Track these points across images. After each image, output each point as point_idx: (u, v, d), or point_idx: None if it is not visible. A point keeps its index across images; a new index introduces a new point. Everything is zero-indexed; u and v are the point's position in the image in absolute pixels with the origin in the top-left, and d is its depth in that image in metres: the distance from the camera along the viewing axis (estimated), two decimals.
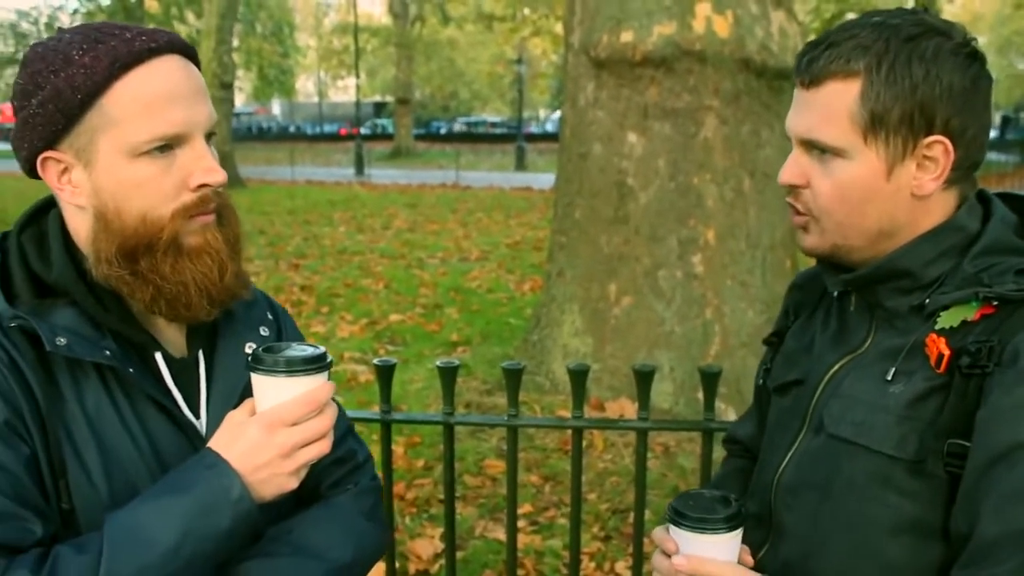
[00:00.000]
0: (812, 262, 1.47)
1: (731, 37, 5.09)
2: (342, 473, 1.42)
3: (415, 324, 7.99)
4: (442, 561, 3.58)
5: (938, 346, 1.17)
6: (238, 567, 1.21)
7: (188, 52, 1.23)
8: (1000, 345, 1.12)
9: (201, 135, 1.20)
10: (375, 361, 2.24)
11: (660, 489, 4.28)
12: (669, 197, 5.28)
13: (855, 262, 1.29)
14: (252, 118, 67.98)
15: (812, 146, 1.24)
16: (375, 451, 4.96)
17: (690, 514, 1.26)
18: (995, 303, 1.16)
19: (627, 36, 5.18)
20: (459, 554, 3.61)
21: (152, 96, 1.15)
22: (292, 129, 62.53)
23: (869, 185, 1.21)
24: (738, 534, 1.27)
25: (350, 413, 2.94)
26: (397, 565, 2.86)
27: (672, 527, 1.29)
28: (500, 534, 3.84)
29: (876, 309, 1.30)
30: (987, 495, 1.09)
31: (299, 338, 1.46)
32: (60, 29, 1.22)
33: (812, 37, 1.26)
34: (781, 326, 1.55)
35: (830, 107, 1.20)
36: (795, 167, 1.27)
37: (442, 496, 3.97)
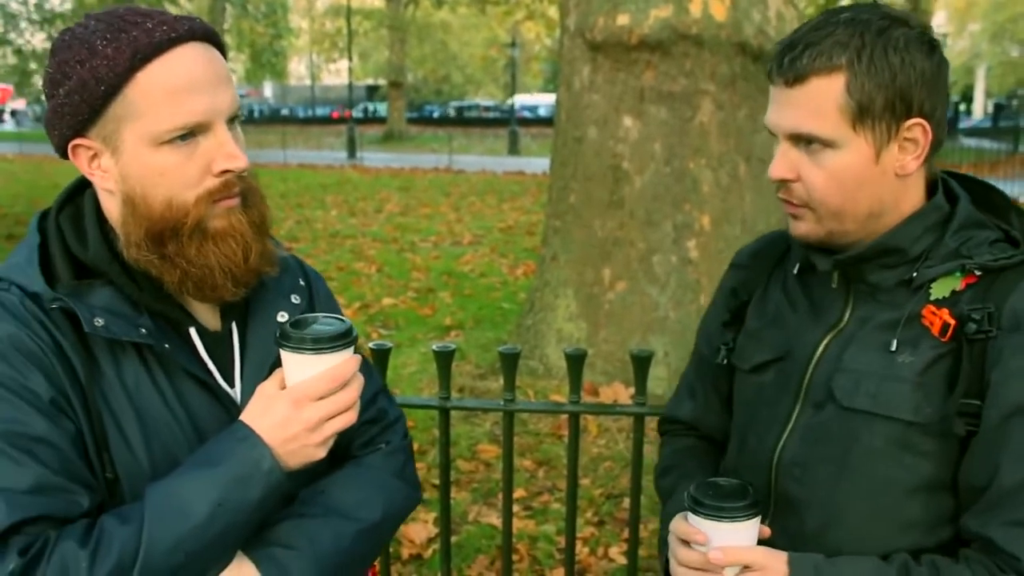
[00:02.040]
0: None
1: (728, 21, 5.06)
2: (374, 432, 1.47)
3: (408, 308, 7.97)
4: (436, 546, 3.57)
5: (941, 317, 1.28)
6: (272, 528, 1.27)
7: (211, 38, 1.25)
8: (997, 310, 1.25)
9: (223, 121, 1.23)
10: (371, 345, 2.21)
11: (654, 474, 4.27)
12: (664, 182, 5.26)
13: (844, 244, 1.36)
14: (244, 100, 67.61)
15: (800, 139, 1.31)
16: None
17: (714, 503, 1.31)
18: (977, 272, 1.29)
19: (623, 19, 5.15)
20: (453, 539, 3.60)
21: (173, 86, 1.18)
22: (284, 112, 62.16)
23: (860, 171, 1.29)
24: (758, 519, 1.33)
25: None
26: (391, 550, 2.85)
27: (693, 517, 1.33)
28: (493, 519, 3.83)
29: (855, 284, 1.38)
30: (1004, 448, 1.21)
31: (331, 302, 1.52)
32: (87, 15, 1.24)
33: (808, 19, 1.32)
34: (732, 306, 1.61)
35: (818, 101, 1.27)
36: (784, 162, 1.34)
37: (435, 481, 3.96)
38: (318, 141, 36.83)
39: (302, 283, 1.47)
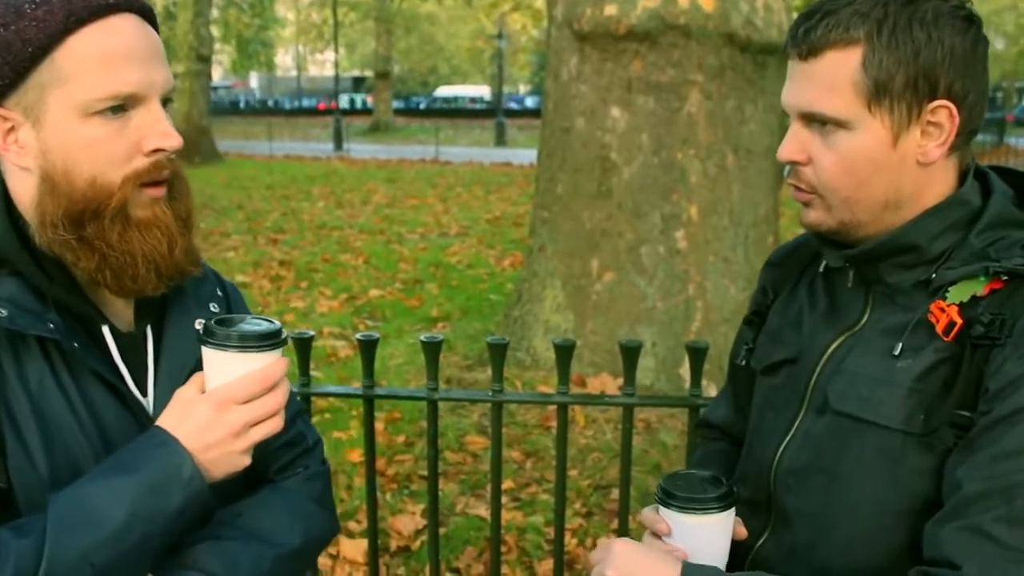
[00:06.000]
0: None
1: (716, 11, 5.05)
2: (291, 456, 1.39)
3: (395, 299, 7.95)
4: (423, 537, 3.56)
5: (949, 314, 1.15)
6: (187, 550, 1.19)
7: (146, 13, 1.18)
8: (1011, 319, 1.11)
9: (157, 98, 1.15)
10: (358, 336, 2.20)
11: (642, 465, 4.27)
12: (652, 172, 5.25)
13: (859, 237, 1.25)
14: (230, 92, 67.32)
15: (812, 119, 1.20)
16: (356, 427, 4.89)
17: (680, 494, 1.24)
18: (1004, 277, 1.14)
19: (611, 9, 5.12)
20: (440, 530, 3.59)
21: (108, 53, 1.10)
22: (270, 103, 61.85)
23: (875, 156, 1.17)
24: (730, 514, 1.25)
25: (331, 389, 2.90)
26: (379, 542, 2.84)
27: (662, 508, 1.26)
28: (481, 510, 3.82)
29: (874, 285, 1.26)
30: (983, 451, 1.08)
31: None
32: None
33: (795, 13, 1.20)
34: (760, 304, 1.51)
35: (832, 77, 1.16)
36: (795, 143, 1.23)
37: (423, 472, 3.95)
38: (304, 132, 36.70)
39: (220, 293, 1.38)
